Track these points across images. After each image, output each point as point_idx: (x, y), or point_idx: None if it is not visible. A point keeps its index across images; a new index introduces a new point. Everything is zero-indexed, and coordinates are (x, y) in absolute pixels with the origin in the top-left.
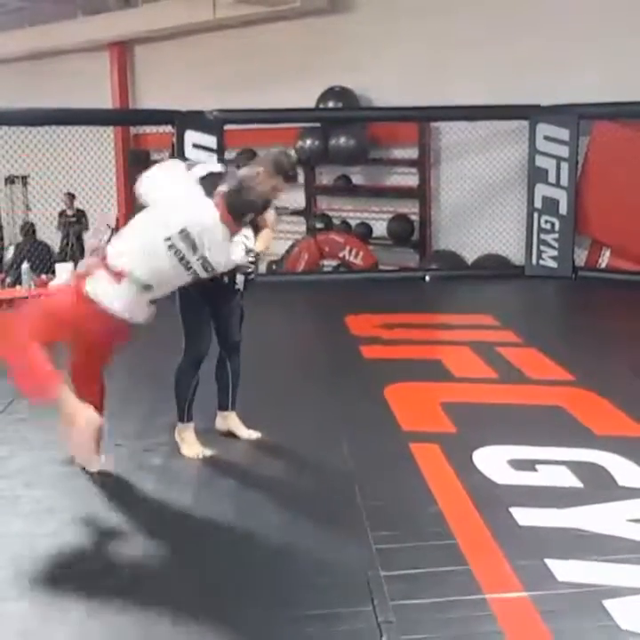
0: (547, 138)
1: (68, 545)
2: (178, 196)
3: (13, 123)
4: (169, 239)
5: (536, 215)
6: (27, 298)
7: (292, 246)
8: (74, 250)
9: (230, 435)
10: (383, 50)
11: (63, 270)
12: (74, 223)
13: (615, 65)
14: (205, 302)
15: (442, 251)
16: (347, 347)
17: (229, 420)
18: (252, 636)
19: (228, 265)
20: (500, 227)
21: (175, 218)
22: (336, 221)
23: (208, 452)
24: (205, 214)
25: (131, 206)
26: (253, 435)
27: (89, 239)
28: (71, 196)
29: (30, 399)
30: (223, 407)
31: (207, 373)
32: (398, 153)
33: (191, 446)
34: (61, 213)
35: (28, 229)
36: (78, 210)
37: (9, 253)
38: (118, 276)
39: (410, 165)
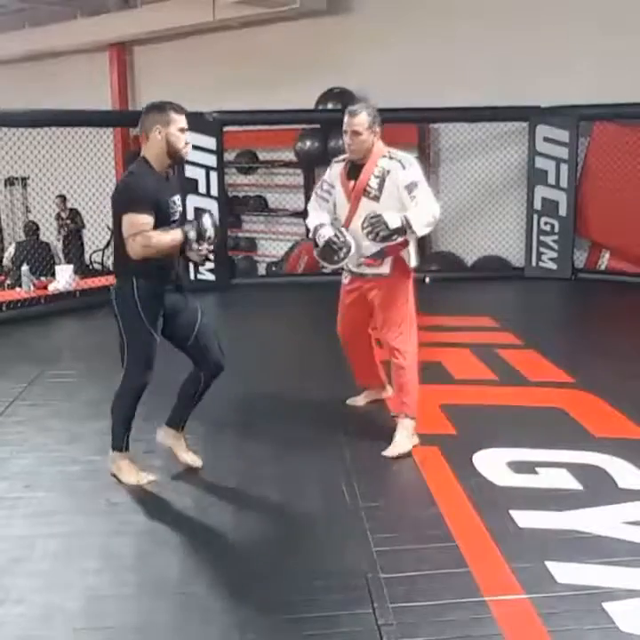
0: (546, 139)
1: (68, 546)
2: None
3: (13, 124)
4: None
5: (536, 217)
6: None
7: (292, 248)
8: (73, 250)
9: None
10: (382, 51)
11: (63, 272)
12: (68, 225)
13: (615, 66)
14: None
15: (441, 252)
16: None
17: (181, 440)
18: (251, 638)
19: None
20: (500, 228)
21: None
22: None
23: (150, 477)
24: None
25: None
26: (197, 462)
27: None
28: (63, 198)
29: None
30: (176, 424)
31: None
32: None
33: (131, 473)
34: (58, 216)
35: (30, 229)
36: (71, 210)
37: (10, 252)
38: None
39: None
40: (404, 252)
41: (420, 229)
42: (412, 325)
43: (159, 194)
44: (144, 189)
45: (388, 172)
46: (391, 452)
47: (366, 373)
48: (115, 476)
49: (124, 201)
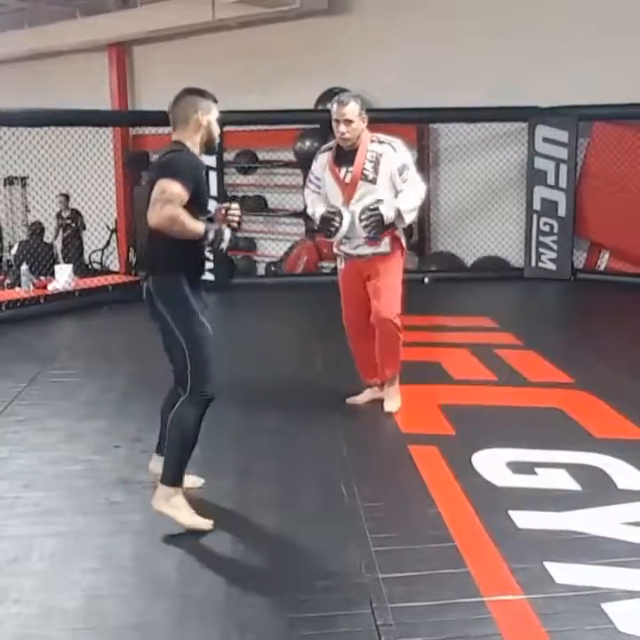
0: (546, 140)
1: (66, 546)
2: None
3: (12, 123)
4: None
5: (535, 217)
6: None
7: (291, 248)
8: (72, 251)
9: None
10: (382, 51)
11: (63, 272)
12: (69, 225)
13: (614, 66)
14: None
15: (441, 253)
16: (345, 349)
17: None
18: (250, 638)
19: None
20: (499, 229)
21: None
22: None
23: (210, 524)
24: None
25: (129, 207)
26: (197, 482)
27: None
28: (66, 197)
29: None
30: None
31: None
32: None
33: (190, 515)
34: (58, 215)
35: (36, 229)
36: (73, 210)
37: (12, 251)
38: None
39: None
40: (398, 231)
41: (409, 218)
42: (400, 301)
43: (201, 179)
44: (190, 165)
45: (381, 155)
46: (393, 407)
47: (371, 364)
48: (161, 512)
49: (165, 170)
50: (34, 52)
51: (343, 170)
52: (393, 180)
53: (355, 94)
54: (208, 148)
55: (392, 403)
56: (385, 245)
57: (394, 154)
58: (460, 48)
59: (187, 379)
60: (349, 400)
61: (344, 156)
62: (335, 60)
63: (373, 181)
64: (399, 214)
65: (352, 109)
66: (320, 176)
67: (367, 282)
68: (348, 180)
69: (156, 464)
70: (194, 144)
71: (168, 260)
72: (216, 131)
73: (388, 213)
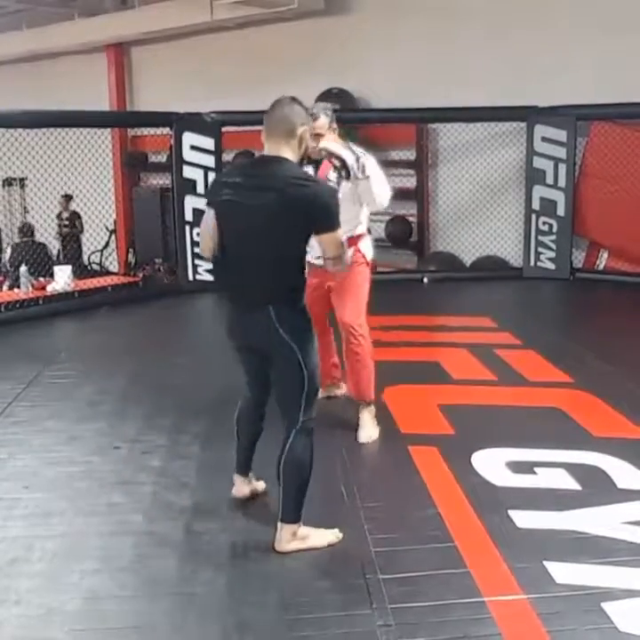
0: (544, 139)
1: (66, 547)
2: None
3: (11, 125)
4: None
5: (534, 217)
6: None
7: None
8: (71, 253)
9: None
10: (380, 51)
11: (62, 273)
12: (67, 227)
13: (612, 66)
14: None
15: (440, 252)
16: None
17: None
18: (250, 639)
19: None
20: (498, 228)
21: None
22: None
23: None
24: None
25: (128, 208)
26: (260, 486)
27: None
28: (67, 198)
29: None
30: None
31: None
32: (396, 154)
33: (321, 534)
34: (58, 216)
35: (27, 230)
36: (73, 212)
37: (6, 254)
38: None
39: (408, 167)
40: (362, 243)
41: (375, 179)
42: (364, 312)
43: None
44: None
45: (344, 161)
46: (364, 438)
47: (327, 368)
48: (291, 551)
49: (333, 214)
50: (32, 54)
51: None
52: (355, 183)
53: (325, 106)
54: (301, 161)
55: (364, 432)
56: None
57: (352, 156)
58: (458, 48)
59: (296, 409)
60: None
61: (314, 163)
62: (333, 61)
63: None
64: (363, 166)
65: (322, 124)
66: None
67: (330, 293)
68: None
69: (241, 487)
70: (296, 160)
71: (288, 289)
72: (310, 144)
73: (348, 156)
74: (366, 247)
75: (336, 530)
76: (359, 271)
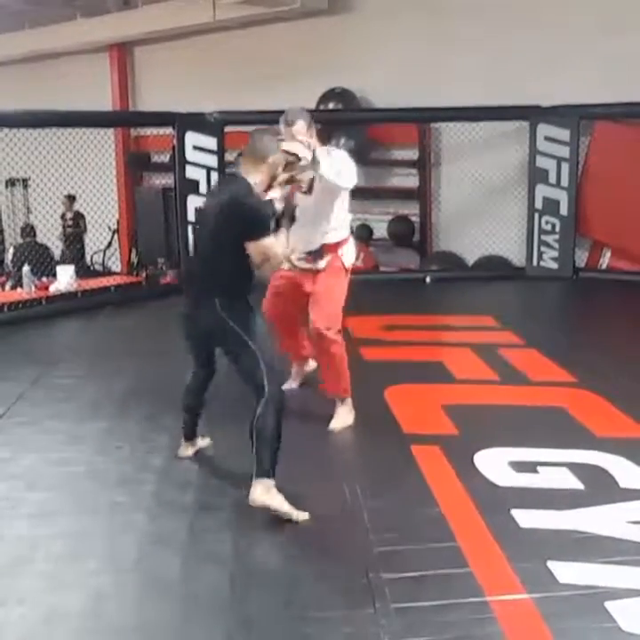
0: (547, 138)
1: (70, 547)
2: None
3: (13, 125)
4: None
5: (537, 216)
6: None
7: None
8: (73, 253)
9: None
10: (383, 51)
11: (64, 273)
12: (71, 227)
13: (616, 65)
14: None
15: (442, 252)
16: (347, 348)
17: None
18: (253, 638)
19: None
20: (501, 228)
21: None
22: None
23: (305, 514)
24: None
25: (131, 208)
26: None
27: None
28: (71, 199)
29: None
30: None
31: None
32: (398, 154)
33: (284, 502)
34: (62, 216)
35: (29, 231)
36: (77, 213)
37: (9, 255)
38: None
39: (410, 166)
40: (342, 249)
41: (326, 169)
42: (340, 316)
43: None
44: None
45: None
46: (335, 425)
47: (296, 345)
48: (264, 504)
49: (257, 226)
50: (35, 54)
51: None
52: (331, 189)
53: (300, 109)
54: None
55: (336, 421)
56: (322, 263)
57: (326, 157)
58: (461, 47)
59: (260, 381)
60: (285, 386)
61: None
62: (336, 60)
63: (309, 192)
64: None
65: (299, 129)
66: None
67: (308, 296)
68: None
69: (185, 450)
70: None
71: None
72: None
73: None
74: (347, 253)
75: (306, 513)
76: (335, 278)
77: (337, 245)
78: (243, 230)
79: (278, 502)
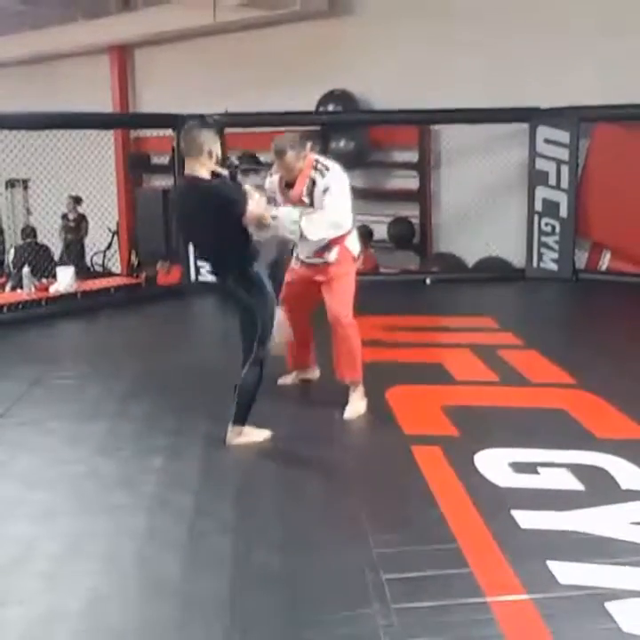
0: (547, 140)
1: (69, 547)
2: None
3: (14, 126)
4: None
5: (536, 218)
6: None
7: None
8: (74, 254)
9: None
10: (383, 53)
11: (65, 274)
12: (73, 229)
13: (615, 67)
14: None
15: (442, 253)
16: None
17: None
18: (252, 639)
19: None
20: (501, 229)
21: None
22: None
23: (267, 432)
24: None
25: (131, 209)
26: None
27: None
28: (75, 200)
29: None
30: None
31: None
32: (398, 156)
33: (255, 432)
34: (64, 216)
35: (29, 232)
36: (79, 214)
37: (9, 256)
38: None
39: (410, 168)
40: (347, 241)
41: (312, 235)
42: (352, 303)
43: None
44: None
45: (314, 181)
46: (350, 414)
47: (301, 354)
48: (238, 443)
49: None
50: (35, 55)
51: (290, 192)
52: (322, 201)
53: (291, 138)
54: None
55: (351, 408)
56: (332, 255)
57: (321, 179)
58: (460, 49)
59: (252, 345)
60: (280, 381)
61: (290, 182)
62: (336, 62)
63: (311, 204)
64: (302, 232)
65: (289, 159)
66: (274, 190)
67: (319, 287)
68: (290, 202)
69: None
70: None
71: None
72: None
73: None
74: (352, 243)
75: (268, 431)
76: (344, 269)
77: (343, 237)
78: (234, 211)
79: (245, 441)
